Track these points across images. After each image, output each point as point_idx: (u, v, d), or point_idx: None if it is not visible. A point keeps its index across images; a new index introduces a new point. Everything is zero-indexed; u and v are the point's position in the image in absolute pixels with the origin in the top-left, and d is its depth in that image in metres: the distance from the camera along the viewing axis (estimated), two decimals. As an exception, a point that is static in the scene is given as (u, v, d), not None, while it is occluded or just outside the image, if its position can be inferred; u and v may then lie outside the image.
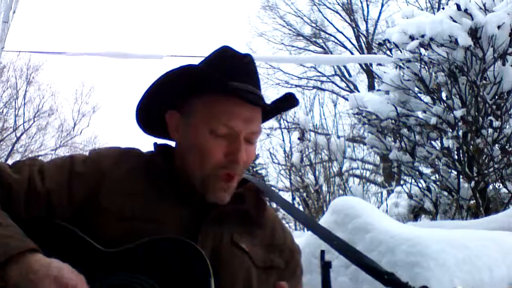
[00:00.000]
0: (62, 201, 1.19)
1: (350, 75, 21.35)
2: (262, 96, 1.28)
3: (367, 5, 21.88)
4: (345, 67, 21.06)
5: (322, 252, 1.04)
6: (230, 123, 1.21)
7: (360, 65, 19.24)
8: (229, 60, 1.28)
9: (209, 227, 1.22)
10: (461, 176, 6.02)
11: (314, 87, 20.80)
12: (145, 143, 1.45)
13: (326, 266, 1.01)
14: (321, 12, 22.18)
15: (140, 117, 1.33)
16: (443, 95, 6.35)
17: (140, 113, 1.32)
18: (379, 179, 11.58)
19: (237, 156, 1.21)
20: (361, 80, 20.64)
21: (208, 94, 1.23)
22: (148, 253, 1.13)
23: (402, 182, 7.36)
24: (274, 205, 1.52)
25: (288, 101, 1.29)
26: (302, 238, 3.88)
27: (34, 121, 21.89)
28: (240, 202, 1.29)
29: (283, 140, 12.61)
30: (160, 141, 1.36)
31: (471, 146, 5.87)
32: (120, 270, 1.11)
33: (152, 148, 1.35)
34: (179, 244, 1.13)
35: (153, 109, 1.30)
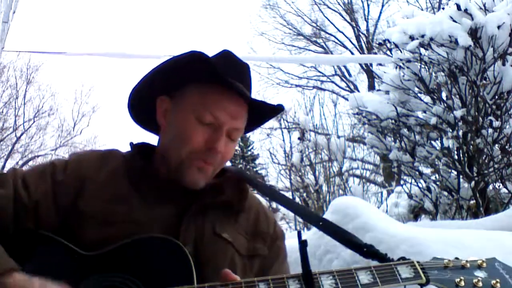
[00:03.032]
0: (49, 211, 1.21)
1: (350, 75, 21.37)
2: (250, 97, 1.32)
3: (368, 5, 21.92)
4: (345, 67, 21.07)
5: (299, 232, 1.12)
6: (216, 113, 1.26)
7: (360, 65, 19.25)
8: (229, 61, 1.33)
9: (191, 222, 1.24)
10: (461, 176, 6.01)
11: (314, 87, 20.82)
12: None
13: (303, 245, 1.09)
14: (321, 12, 22.24)
15: (132, 101, 1.35)
16: (443, 95, 6.34)
17: (134, 97, 1.34)
18: (379, 179, 11.56)
19: (216, 145, 1.25)
20: (361, 80, 20.68)
21: (203, 84, 1.27)
22: (131, 253, 1.14)
23: (402, 182, 7.35)
24: (275, 205, 1.54)
25: (274, 110, 1.35)
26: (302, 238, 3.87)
27: (34, 121, 21.93)
28: (219, 193, 1.32)
29: (283, 140, 12.59)
30: (136, 141, 1.39)
31: (471, 146, 5.86)
32: (105, 272, 1.12)
33: (128, 148, 1.37)
34: (161, 242, 1.15)
35: (146, 94, 1.33)
